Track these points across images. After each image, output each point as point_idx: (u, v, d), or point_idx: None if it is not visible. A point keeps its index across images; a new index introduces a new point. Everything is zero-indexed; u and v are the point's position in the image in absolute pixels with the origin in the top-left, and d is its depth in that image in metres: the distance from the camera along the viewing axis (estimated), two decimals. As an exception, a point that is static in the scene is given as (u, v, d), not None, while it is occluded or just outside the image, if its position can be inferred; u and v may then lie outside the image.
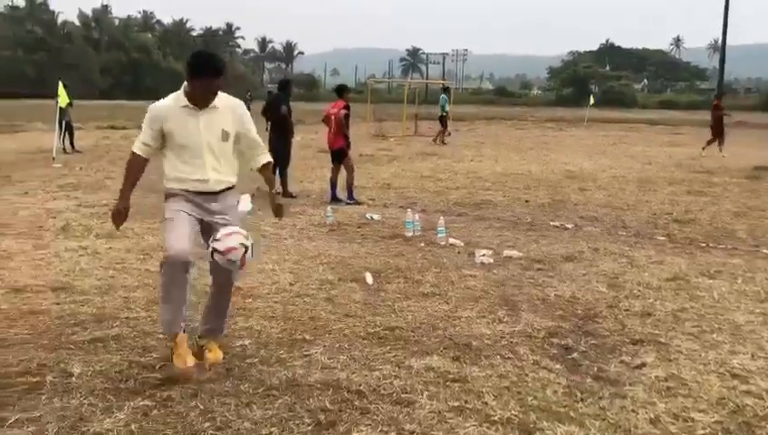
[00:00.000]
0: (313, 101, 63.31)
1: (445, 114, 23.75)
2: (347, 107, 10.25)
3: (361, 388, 3.72)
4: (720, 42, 45.55)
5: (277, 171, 10.85)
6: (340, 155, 10.25)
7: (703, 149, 18.97)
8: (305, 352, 4.23)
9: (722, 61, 45.29)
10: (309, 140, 20.27)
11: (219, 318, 4.20)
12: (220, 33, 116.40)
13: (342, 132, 10.19)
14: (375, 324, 4.78)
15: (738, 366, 4.14)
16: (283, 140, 10.85)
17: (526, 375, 3.96)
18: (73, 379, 3.80)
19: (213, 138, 3.93)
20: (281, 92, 11.44)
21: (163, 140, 3.94)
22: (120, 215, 4.00)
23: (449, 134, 24.46)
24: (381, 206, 9.92)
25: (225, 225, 3.91)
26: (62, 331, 4.56)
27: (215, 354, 4.08)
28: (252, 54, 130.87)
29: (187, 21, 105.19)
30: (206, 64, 3.87)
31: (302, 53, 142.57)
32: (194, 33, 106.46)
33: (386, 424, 3.34)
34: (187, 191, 3.94)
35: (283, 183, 10.78)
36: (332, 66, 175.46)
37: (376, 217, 8.83)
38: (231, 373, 3.91)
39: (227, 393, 3.65)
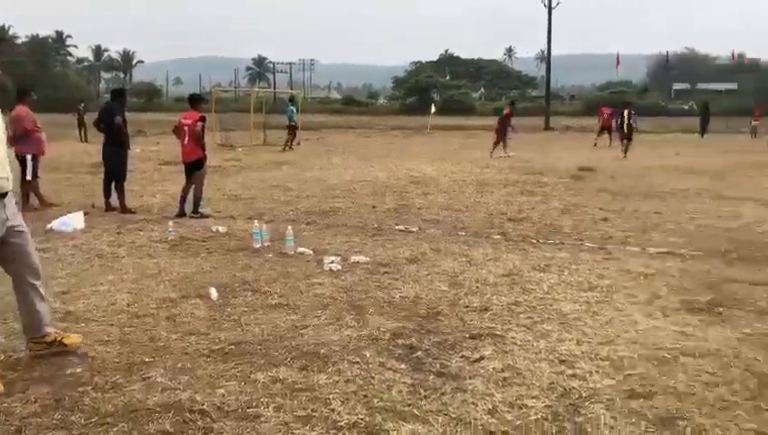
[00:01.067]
0: (155, 111, 60.67)
1: (293, 123, 24.00)
2: (203, 118, 9.90)
3: (205, 407, 3.60)
4: (546, 52, 49.04)
5: (112, 185, 10.31)
6: (195, 167, 9.86)
7: (491, 153, 20.66)
8: (144, 376, 4.02)
9: (548, 70, 48.90)
10: (149, 153, 19.40)
11: (46, 304, 4.36)
12: (49, 40, 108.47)
13: (200, 144, 9.82)
14: (219, 341, 4.64)
15: (565, 352, 4.46)
16: (117, 153, 10.30)
17: (372, 378, 4.03)
18: None
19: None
20: (114, 102, 10.81)
21: None
22: None
23: (299, 143, 24.59)
24: (228, 217, 9.69)
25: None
26: None
27: (73, 338, 4.35)
28: (86, 63, 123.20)
29: (9, 27, 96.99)
30: None
31: (141, 61, 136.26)
32: (18, 41, 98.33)
33: (231, 441, 3.26)
34: None
35: (121, 198, 10.22)
36: (174, 75, 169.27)
37: (222, 229, 8.60)
38: (60, 404, 3.63)
39: (56, 426, 3.39)
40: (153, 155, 19.10)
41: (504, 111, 21.78)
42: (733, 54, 79.71)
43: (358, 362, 4.26)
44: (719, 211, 10.32)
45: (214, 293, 5.71)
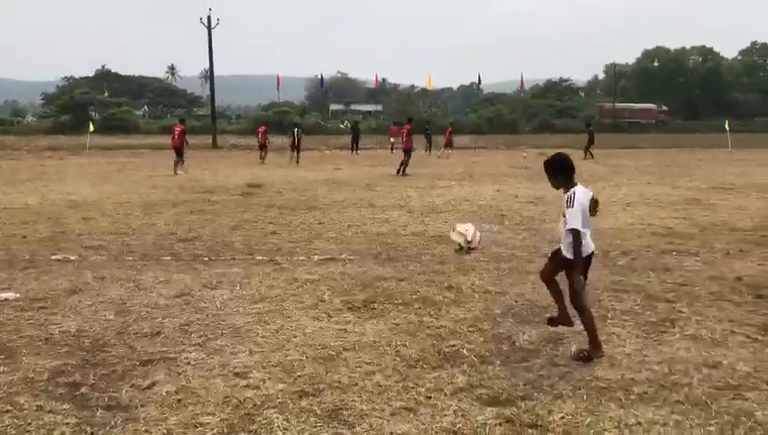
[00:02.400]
0: None
1: None
2: None
3: None
4: (209, 71, 49.14)
5: None
6: None
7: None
8: None
9: (212, 89, 48.98)
10: None
11: None
12: None
13: None
14: None
15: (239, 365, 4.56)
16: None
17: (29, 425, 3.63)
18: None
19: None
20: None
21: None
22: None
23: None
24: None
25: None
26: None
27: None
28: None
29: None
30: None
31: None
32: None
33: None
34: None
35: None
36: None
37: None
38: None
39: None
40: None
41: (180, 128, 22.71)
42: (377, 79, 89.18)
43: (10, 410, 3.80)
44: (372, 218, 11.49)
45: None
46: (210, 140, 44.18)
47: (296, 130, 28.94)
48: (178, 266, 7.64)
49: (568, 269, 4.69)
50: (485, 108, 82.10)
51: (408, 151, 21.66)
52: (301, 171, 21.83)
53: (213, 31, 45.80)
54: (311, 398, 4.03)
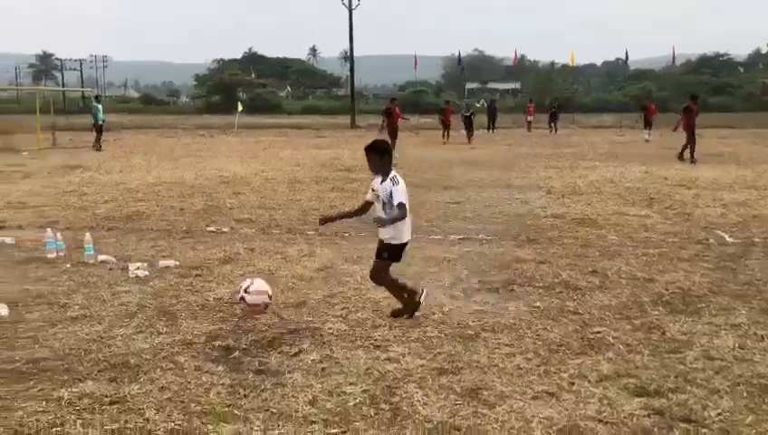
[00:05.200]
0: None
1: (101, 122, 23.15)
2: None
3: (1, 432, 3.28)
4: (349, 52, 50.22)
5: None
6: None
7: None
8: None
9: (351, 70, 50.13)
10: None
11: None
12: None
13: None
14: (14, 360, 4.24)
15: (380, 338, 4.66)
16: None
17: (189, 383, 3.91)
18: None
19: None
20: None
21: None
22: None
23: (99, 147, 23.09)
24: (15, 228, 8.81)
25: None
26: None
27: None
28: None
29: None
30: None
31: None
32: None
33: (33, 466, 3.00)
34: None
35: None
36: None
37: (8, 241, 7.80)
38: None
39: None
40: None
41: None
42: (515, 56, 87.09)
43: (172, 369, 4.12)
44: (509, 198, 11.29)
45: (3, 309, 5.18)
46: (349, 120, 45.31)
47: (469, 112, 29.03)
48: (321, 241, 7.91)
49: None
50: (632, 84, 77.88)
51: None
52: (437, 150, 21.82)
53: (353, 12, 46.73)
54: (450, 375, 4.03)
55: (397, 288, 5.13)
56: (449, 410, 3.59)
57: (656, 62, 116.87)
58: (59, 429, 3.33)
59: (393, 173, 5.01)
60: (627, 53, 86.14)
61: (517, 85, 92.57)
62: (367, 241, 7.83)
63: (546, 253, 7.22)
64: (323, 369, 4.13)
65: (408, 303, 5.12)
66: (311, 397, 3.74)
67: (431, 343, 4.55)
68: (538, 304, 5.45)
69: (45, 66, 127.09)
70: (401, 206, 4.86)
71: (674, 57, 73.98)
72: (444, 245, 7.68)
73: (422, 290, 5.20)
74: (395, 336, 4.68)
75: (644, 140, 27.38)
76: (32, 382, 3.90)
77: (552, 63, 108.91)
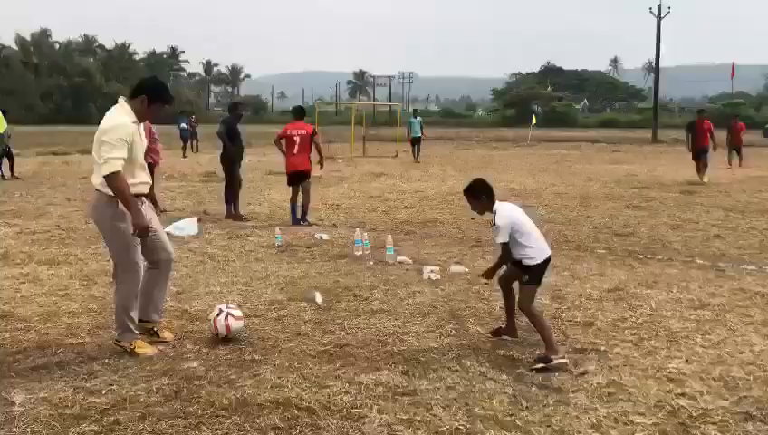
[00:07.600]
0: (260, 124, 63.03)
1: (421, 136, 25.17)
2: (315, 132, 10.40)
3: (312, 405, 3.75)
4: (654, 63, 47.23)
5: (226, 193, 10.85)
6: (304, 177, 10.20)
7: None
8: (255, 372, 4.22)
9: (656, 81, 47.02)
10: (256, 163, 20.21)
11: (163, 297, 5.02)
12: (164, 56, 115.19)
13: (309, 156, 10.22)
14: (324, 343, 4.81)
15: (674, 370, 4.32)
16: (231, 163, 10.80)
17: (473, 386, 4.05)
18: (15, 407, 3.71)
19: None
20: (230, 115, 11.18)
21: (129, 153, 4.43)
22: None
23: (396, 154, 24.99)
24: (330, 226, 9.97)
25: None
26: (2, 359, 4.45)
27: (167, 334, 4.86)
28: (197, 78, 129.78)
29: (129, 45, 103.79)
30: (169, 93, 4.74)
31: (248, 75, 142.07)
32: (137, 57, 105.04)
33: (336, 439, 3.38)
34: (138, 195, 4.51)
35: (235, 205, 10.77)
36: (279, 89, 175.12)
37: (325, 236, 8.86)
38: (179, 395, 3.88)
39: (176, 416, 3.62)
40: (259, 165, 19.88)
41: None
42: None
43: (458, 370, 4.30)
44: None
45: (319, 297, 5.91)
46: (650, 134, 42.62)
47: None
48: (613, 261, 7.58)
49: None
50: None
51: None
52: (750, 171, 19.41)
53: (662, 20, 43.85)
54: (758, 423, 3.58)
55: (540, 327, 4.55)
56: (755, 463, 3.20)
57: None
58: (358, 410, 3.69)
59: (495, 207, 4.81)
60: None
61: None
62: (666, 265, 7.32)
63: None
64: (610, 394, 3.96)
65: (550, 348, 4.42)
66: (595, 420, 3.61)
67: (736, 385, 4.09)
68: None
69: (361, 83, 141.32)
70: (502, 246, 4.70)
71: None
72: (759, 277, 6.83)
73: (563, 354, 4.47)
74: (692, 371, 4.30)
75: None
76: (338, 365, 4.38)
77: None
